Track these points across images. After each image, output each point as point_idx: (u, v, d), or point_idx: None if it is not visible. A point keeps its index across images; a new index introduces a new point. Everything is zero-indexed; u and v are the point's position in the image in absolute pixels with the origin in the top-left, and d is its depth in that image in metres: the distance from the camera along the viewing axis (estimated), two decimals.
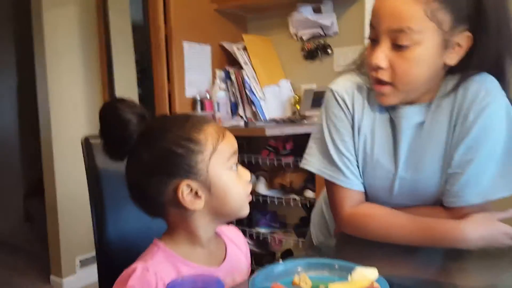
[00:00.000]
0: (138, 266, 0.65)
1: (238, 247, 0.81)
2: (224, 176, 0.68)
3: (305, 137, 2.11)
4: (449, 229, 0.79)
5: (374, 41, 0.81)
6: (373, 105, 0.89)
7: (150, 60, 2.23)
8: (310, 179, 2.20)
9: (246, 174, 0.72)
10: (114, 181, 0.91)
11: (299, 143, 2.25)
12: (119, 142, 0.67)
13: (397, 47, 0.77)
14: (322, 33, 2.36)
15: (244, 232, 2.50)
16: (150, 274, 0.64)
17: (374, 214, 0.87)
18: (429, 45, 0.76)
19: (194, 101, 2.32)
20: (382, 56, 0.79)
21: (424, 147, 0.85)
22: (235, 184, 0.69)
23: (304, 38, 2.42)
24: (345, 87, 0.91)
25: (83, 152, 0.86)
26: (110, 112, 0.68)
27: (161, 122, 0.70)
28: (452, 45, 0.78)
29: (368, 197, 0.93)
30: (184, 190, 0.66)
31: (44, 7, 2.26)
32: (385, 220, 0.85)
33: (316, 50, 2.41)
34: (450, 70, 0.83)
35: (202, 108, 2.31)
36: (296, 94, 2.45)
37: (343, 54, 2.31)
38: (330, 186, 0.92)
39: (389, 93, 0.82)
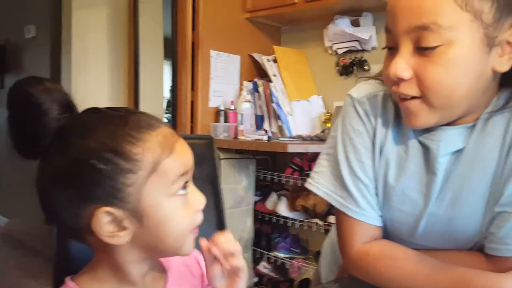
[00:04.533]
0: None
1: (190, 271, 0.65)
2: (165, 205, 0.50)
3: None
4: (488, 284, 0.60)
5: (392, 49, 0.64)
6: (402, 123, 0.71)
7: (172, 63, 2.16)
8: None
9: (198, 200, 0.54)
10: None
11: None
12: (31, 138, 0.49)
13: (422, 50, 0.59)
14: (359, 47, 2.19)
15: (261, 256, 2.33)
16: None
17: (392, 256, 0.69)
18: (466, 44, 0.58)
19: (217, 112, 2.21)
20: (402, 64, 0.60)
21: (464, 178, 0.66)
22: (178, 215, 0.51)
23: (340, 52, 2.27)
24: (369, 95, 0.74)
25: None
26: (22, 96, 0.49)
27: (85, 119, 0.51)
28: (500, 44, 0.59)
29: (385, 233, 0.75)
30: (103, 219, 0.48)
31: (74, 9, 2.26)
32: (404, 265, 0.67)
33: (352, 66, 2.24)
34: (505, 81, 0.64)
35: (226, 120, 2.20)
36: (327, 111, 2.28)
37: None
38: (340, 215, 0.75)
39: (419, 109, 0.62)
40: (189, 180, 0.54)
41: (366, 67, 2.19)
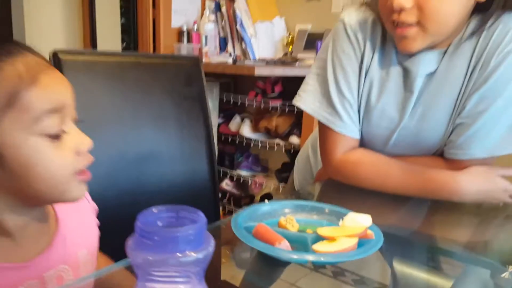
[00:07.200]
0: None
1: (82, 219, 0.60)
2: (27, 146, 0.45)
3: (296, 80, 2.01)
4: (446, 180, 0.74)
5: None
6: (386, 48, 0.79)
7: None
8: (296, 124, 2.14)
9: (78, 141, 0.48)
10: (87, 103, 0.82)
11: (288, 86, 2.16)
12: None
13: None
14: None
15: (224, 174, 2.47)
16: None
17: (368, 161, 0.81)
18: None
19: (180, 32, 2.17)
20: None
21: (435, 96, 0.77)
22: (46, 158, 0.46)
23: None
24: (360, 21, 0.80)
25: None
26: None
27: None
28: None
29: (361, 144, 0.87)
30: None
31: None
32: (379, 169, 0.79)
33: None
34: (476, 9, 0.73)
35: (189, 40, 2.17)
36: (290, 34, 2.31)
37: None
38: (324, 129, 0.85)
39: (415, 36, 0.71)
40: (67, 118, 0.48)
41: None
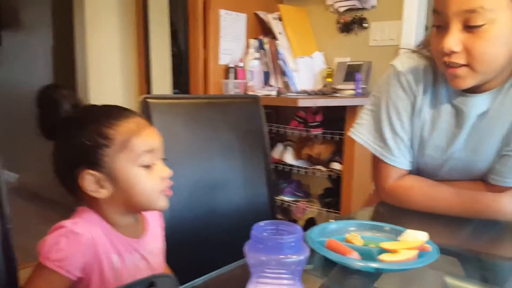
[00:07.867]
0: (66, 222, 0.68)
1: (158, 220, 0.83)
2: (131, 172, 0.69)
3: (335, 110, 2.15)
4: (491, 201, 0.82)
5: (440, 27, 0.79)
6: (437, 91, 0.88)
7: (183, 23, 2.26)
8: (338, 151, 2.23)
9: (162, 171, 0.72)
10: (169, 138, 0.96)
11: (329, 115, 2.27)
12: (49, 124, 0.71)
13: (469, 28, 0.74)
14: (359, 5, 2.33)
15: None
16: (79, 226, 0.67)
17: (418, 186, 0.90)
18: (504, 22, 0.73)
19: (227, 69, 2.35)
20: (454, 40, 0.75)
21: (486, 132, 0.85)
22: (142, 181, 0.70)
23: (341, 10, 2.40)
24: (411, 68, 0.89)
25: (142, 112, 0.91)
26: (45, 96, 0.72)
27: (84, 113, 0.73)
28: None
29: (417, 171, 0.95)
30: (87, 178, 0.68)
31: None
32: (429, 193, 0.88)
33: (352, 23, 2.38)
34: None
35: (235, 77, 2.34)
36: (329, 67, 2.45)
37: (380, 29, 2.29)
38: (376, 160, 0.94)
39: (465, 75, 0.78)
40: (157, 156, 0.72)
41: (365, 25, 2.34)
